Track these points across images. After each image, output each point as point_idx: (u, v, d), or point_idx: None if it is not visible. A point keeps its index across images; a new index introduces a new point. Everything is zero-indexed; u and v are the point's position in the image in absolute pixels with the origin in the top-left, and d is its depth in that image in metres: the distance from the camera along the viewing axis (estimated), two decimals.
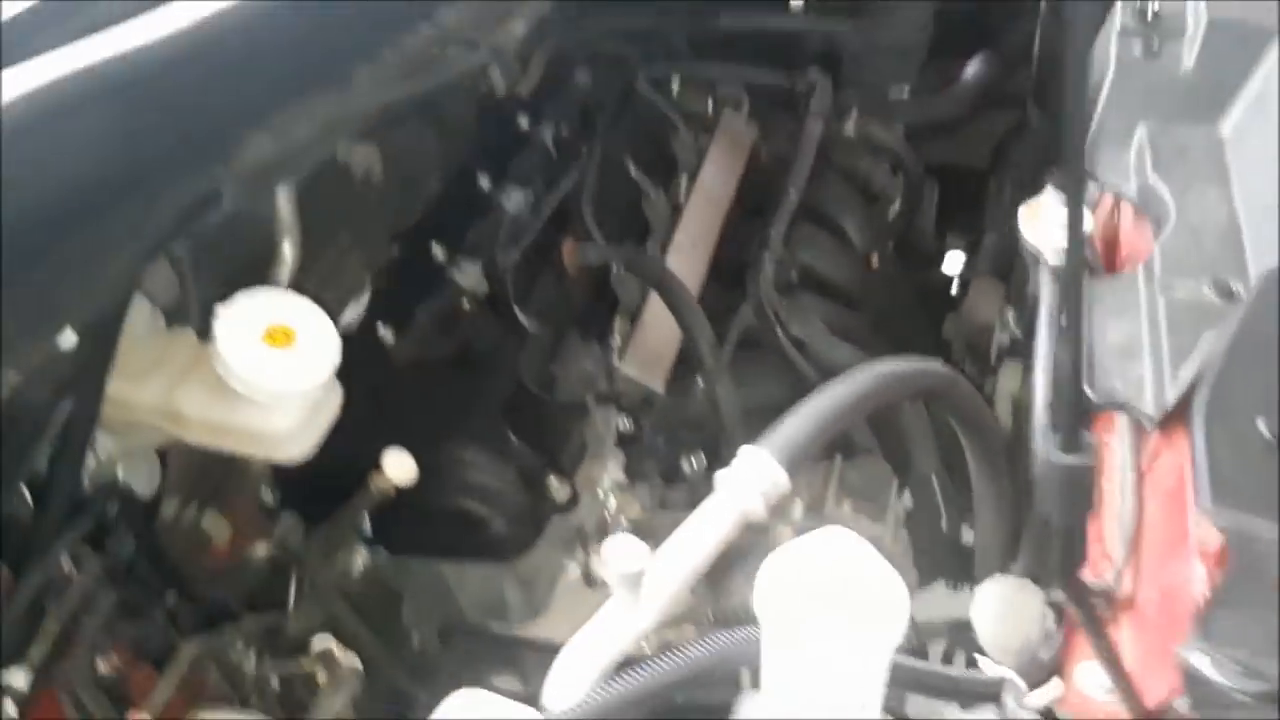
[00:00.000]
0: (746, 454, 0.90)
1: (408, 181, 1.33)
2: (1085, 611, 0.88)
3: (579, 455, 1.32)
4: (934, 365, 1.10)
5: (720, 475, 0.86)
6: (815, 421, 0.95)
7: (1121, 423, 1.05)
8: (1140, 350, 1.07)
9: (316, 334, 1.06)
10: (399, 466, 1.13)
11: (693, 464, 1.40)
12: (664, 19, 1.89)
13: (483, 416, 1.24)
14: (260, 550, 1.32)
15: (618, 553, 0.72)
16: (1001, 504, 1.21)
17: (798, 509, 1.29)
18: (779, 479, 0.90)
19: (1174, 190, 1.23)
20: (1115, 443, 1.04)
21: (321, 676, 1.28)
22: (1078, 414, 0.82)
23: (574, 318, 1.43)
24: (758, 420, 1.05)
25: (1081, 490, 0.80)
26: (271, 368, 1.02)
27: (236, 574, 1.26)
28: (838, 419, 0.96)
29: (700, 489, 1.43)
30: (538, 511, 1.24)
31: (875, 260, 1.70)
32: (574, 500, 1.26)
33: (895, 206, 1.84)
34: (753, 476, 0.90)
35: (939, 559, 1.38)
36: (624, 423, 1.38)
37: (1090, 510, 0.85)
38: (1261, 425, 0.82)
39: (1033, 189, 1.30)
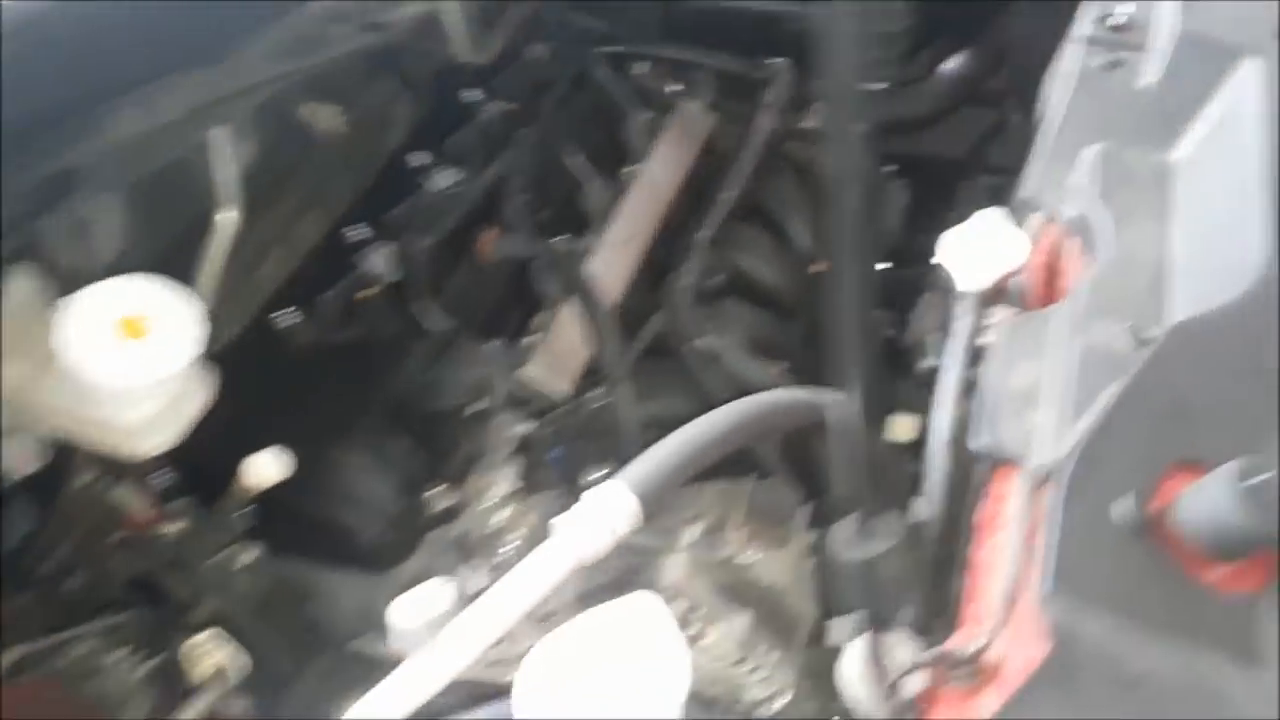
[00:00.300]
0: (602, 489, 0.86)
1: (370, 140, 1.29)
2: (942, 676, 0.84)
3: (470, 463, 1.28)
4: (823, 399, 1.05)
5: (561, 517, 0.83)
6: (679, 456, 0.91)
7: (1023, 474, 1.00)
8: (1042, 398, 1.01)
9: (175, 324, 1.03)
10: (262, 467, 1.10)
11: (595, 475, 1.36)
12: None
13: (369, 415, 1.20)
14: (172, 528, 1.30)
15: (410, 604, 0.68)
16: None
17: (694, 532, 1.24)
18: (632, 516, 0.86)
19: (1114, 220, 1.16)
20: (1012, 496, 0.99)
21: (204, 669, 1.26)
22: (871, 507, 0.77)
23: (486, 314, 1.39)
24: (659, 433, 1.02)
25: (874, 581, 0.75)
26: (119, 360, 0.99)
27: (145, 548, 1.24)
28: (704, 453, 0.92)
29: None
30: (415, 522, 1.20)
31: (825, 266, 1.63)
32: (457, 511, 1.23)
33: None
34: (602, 513, 0.86)
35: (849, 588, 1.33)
36: (527, 428, 1.34)
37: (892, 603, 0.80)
38: (1120, 509, 0.77)
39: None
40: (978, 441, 1.01)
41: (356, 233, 1.40)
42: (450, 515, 1.25)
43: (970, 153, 1.97)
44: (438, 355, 1.32)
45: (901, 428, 1.60)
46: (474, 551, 1.24)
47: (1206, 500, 0.75)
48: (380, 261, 1.32)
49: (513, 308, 1.46)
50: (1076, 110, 1.31)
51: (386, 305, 1.31)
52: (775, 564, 1.38)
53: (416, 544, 1.24)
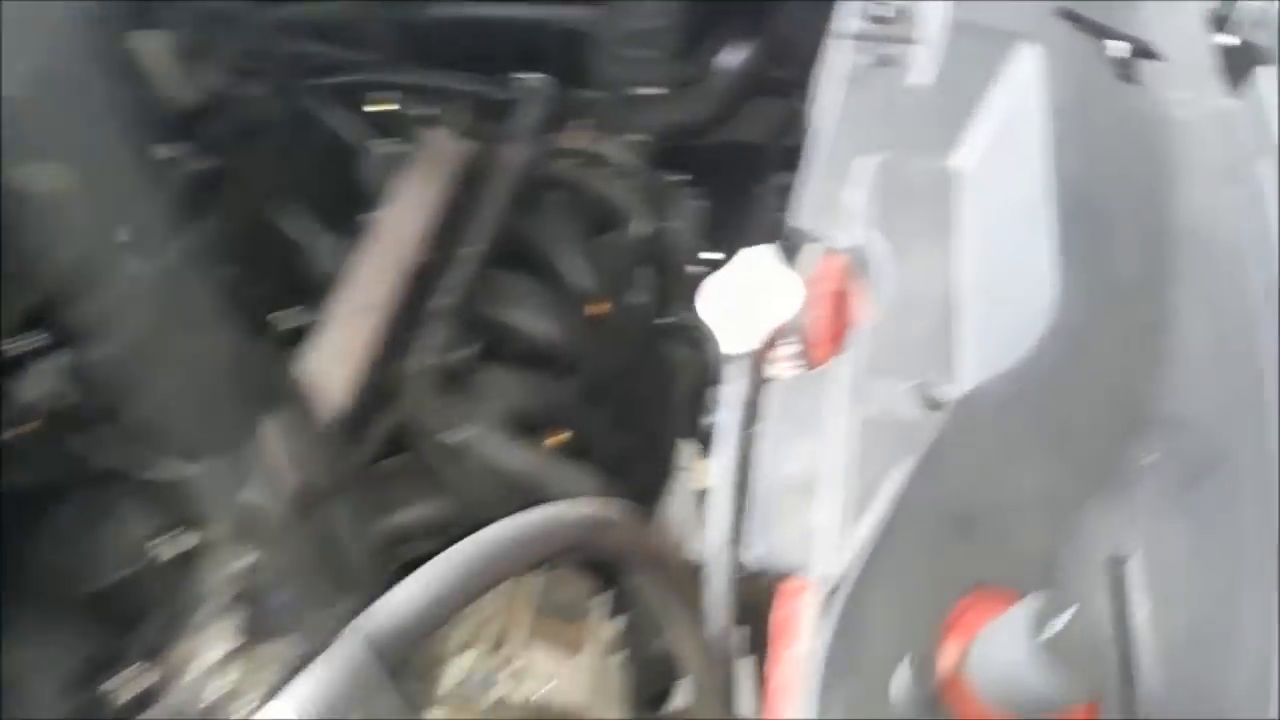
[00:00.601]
0: (329, 653, 0.69)
1: None
2: None
3: (172, 625, 1.06)
4: (598, 514, 0.88)
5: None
6: (430, 599, 0.74)
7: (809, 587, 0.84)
8: (821, 487, 0.85)
9: None
10: None
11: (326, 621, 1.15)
12: (360, 5, 1.60)
13: (29, 593, 0.96)
14: None
15: None
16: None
17: (463, 666, 1.05)
18: (369, 680, 0.68)
19: (893, 249, 1.01)
20: (801, 611, 0.83)
21: None
22: None
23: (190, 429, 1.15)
24: (418, 547, 0.84)
25: None
26: None
27: None
28: (463, 593, 0.76)
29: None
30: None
31: (605, 306, 1.45)
32: (159, 691, 1.01)
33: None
34: (330, 682, 0.67)
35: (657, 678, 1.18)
36: (246, 566, 1.12)
37: None
38: (898, 686, 0.60)
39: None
40: (751, 553, 0.85)
41: (18, 344, 1.15)
42: (149, 699, 1.02)
43: (765, 151, 1.81)
44: (115, 499, 1.09)
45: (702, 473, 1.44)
46: None
47: (999, 657, 0.59)
48: (39, 385, 1.08)
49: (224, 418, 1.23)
50: (848, 116, 1.15)
51: (47, 441, 1.07)
52: (571, 678, 1.20)
53: None
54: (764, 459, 0.89)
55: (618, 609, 1.31)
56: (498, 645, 1.20)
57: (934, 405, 0.86)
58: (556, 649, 1.22)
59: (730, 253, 1.34)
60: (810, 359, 1.04)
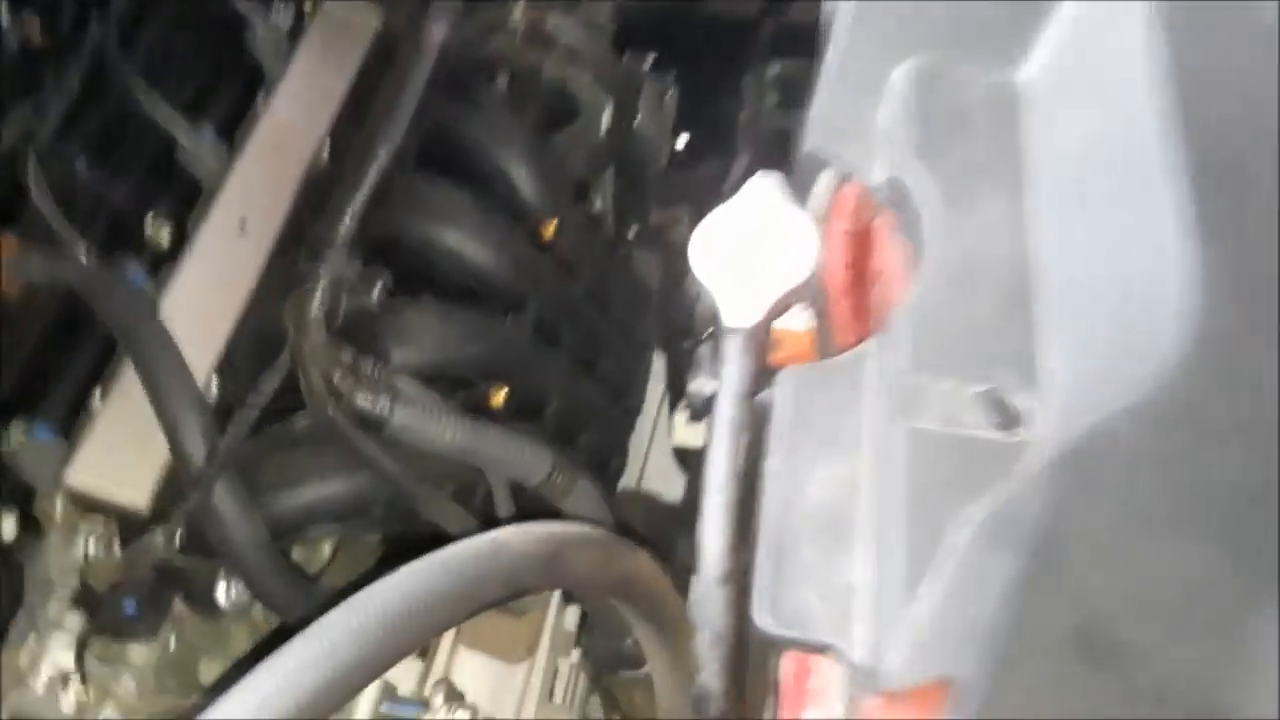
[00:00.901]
0: None
1: None
2: None
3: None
4: (562, 539, 0.69)
5: None
6: (326, 672, 0.56)
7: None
8: (854, 525, 0.65)
9: None
10: None
11: (230, 593, 0.94)
12: None
13: None
14: None
15: None
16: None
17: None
18: None
19: (941, 190, 0.78)
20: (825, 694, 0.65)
21: None
22: None
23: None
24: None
25: None
26: None
27: None
28: (378, 660, 0.59)
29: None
30: None
31: (557, 224, 1.20)
32: None
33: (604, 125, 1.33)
34: None
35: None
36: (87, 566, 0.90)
37: None
38: None
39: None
40: (759, 616, 0.65)
41: None
42: None
43: (755, 27, 1.55)
44: None
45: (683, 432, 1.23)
46: None
47: None
48: None
49: (57, 371, 0.98)
50: (875, 9, 0.88)
51: None
52: (515, 695, 1.01)
53: None
54: (774, 478, 0.67)
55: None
56: (421, 654, 1.00)
57: (1010, 420, 0.66)
58: (496, 655, 1.03)
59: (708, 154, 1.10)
60: (831, 339, 0.81)
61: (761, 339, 0.78)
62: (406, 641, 0.59)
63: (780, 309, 0.79)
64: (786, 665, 0.72)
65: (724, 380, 0.76)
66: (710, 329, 1.13)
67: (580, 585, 0.74)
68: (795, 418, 0.69)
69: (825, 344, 0.82)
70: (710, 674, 0.72)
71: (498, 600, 0.66)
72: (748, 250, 0.79)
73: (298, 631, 0.57)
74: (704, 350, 1.09)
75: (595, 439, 1.21)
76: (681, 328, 1.28)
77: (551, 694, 1.04)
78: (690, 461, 1.26)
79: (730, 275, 0.78)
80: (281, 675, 0.53)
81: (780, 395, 0.72)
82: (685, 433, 1.26)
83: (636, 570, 0.77)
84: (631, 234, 1.40)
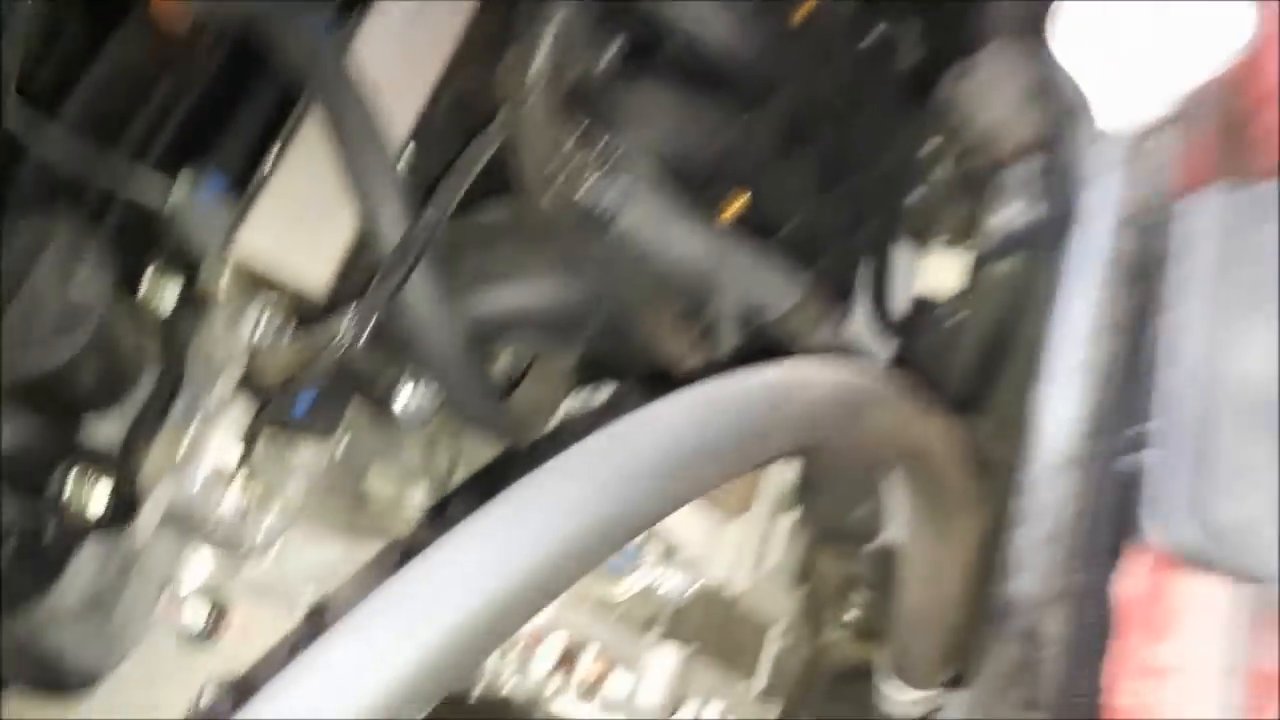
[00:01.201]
0: None
1: None
2: None
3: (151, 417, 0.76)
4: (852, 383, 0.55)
5: None
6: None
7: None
8: None
9: None
10: None
11: (412, 401, 0.83)
12: None
13: None
14: None
15: None
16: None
17: None
18: None
19: None
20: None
21: None
22: None
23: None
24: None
25: None
26: None
27: None
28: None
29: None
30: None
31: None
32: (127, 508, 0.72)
33: None
34: None
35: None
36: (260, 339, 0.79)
37: None
38: None
39: None
40: (1177, 528, 0.48)
41: None
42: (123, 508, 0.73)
43: None
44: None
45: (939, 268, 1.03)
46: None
47: None
48: None
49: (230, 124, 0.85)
50: None
51: None
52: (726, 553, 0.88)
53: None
54: (1186, 341, 0.49)
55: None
56: None
57: None
58: (708, 511, 0.89)
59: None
60: (1252, 156, 0.60)
61: (1152, 150, 0.58)
62: (677, 492, 0.45)
63: (1182, 111, 0.58)
64: (1133, 582, 0.55)
65: (1094, 199, 0.57)
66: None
67: (872, 447, 0.57)
68: (1220, 258, 0.50)
69: (1240, 163, 0.62)
70: (1032, 578, 0.56)
71: (778, 456, 0.51)
72: (1143, 30, 0.59)
73: (537, 457, 0.43)
74: (1016, 172, 0.89)
75: (831, 269, 1.04)
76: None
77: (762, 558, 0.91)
78: (929, 314, 1.05)
79: (1114, 60, 0.58)
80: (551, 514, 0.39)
81: (1197, 226, 0.52)
82: (940, 274, 1.07)
83: (931, 435, 0.60)
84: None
